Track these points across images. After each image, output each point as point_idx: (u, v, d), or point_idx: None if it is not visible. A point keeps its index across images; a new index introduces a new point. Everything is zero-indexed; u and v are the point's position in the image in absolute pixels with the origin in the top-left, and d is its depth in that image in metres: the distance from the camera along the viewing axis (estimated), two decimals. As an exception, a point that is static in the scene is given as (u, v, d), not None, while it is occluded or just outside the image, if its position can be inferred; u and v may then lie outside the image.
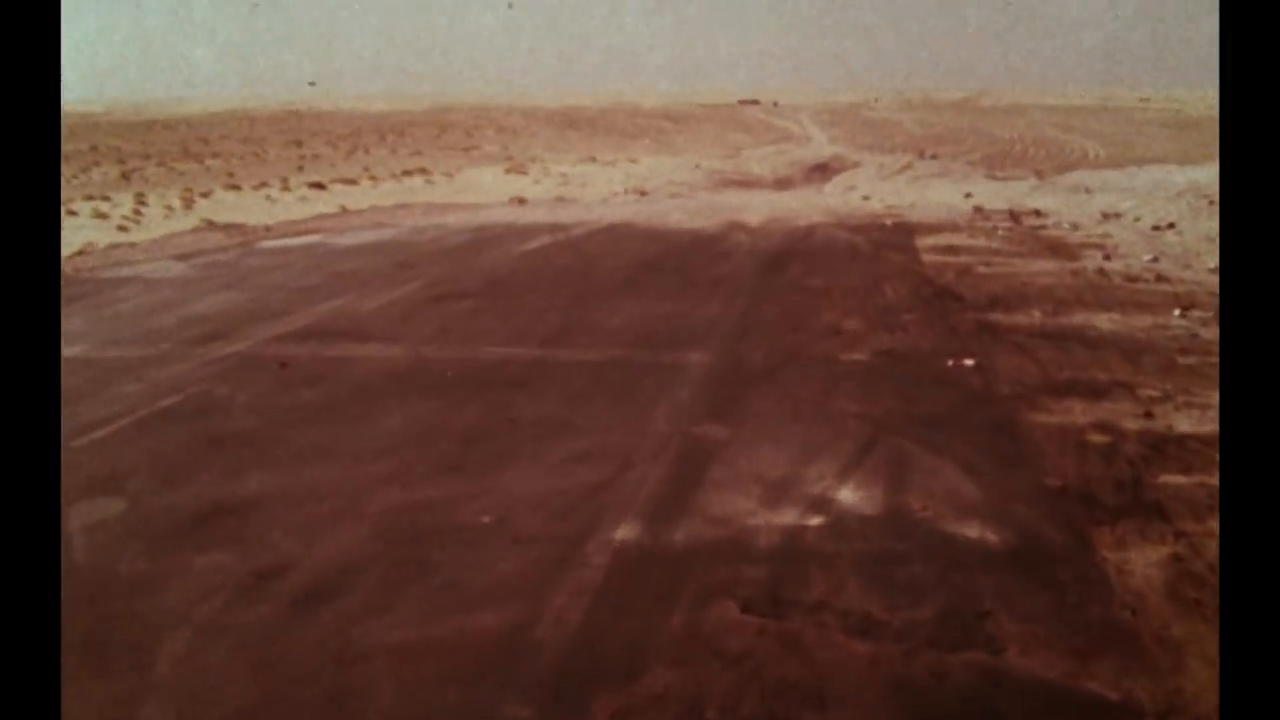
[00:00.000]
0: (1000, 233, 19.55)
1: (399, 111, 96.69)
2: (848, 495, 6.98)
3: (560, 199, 32.96)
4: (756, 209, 26.92)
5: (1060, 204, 25.21)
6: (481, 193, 35.44)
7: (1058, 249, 17.54)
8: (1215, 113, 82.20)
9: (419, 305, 13.54)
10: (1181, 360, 10.32)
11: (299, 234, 22.38)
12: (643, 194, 34.98)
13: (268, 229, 23.27)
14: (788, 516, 6.64)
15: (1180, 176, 34.09)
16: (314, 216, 26.10)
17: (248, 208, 29.69)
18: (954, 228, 20.45)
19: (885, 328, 11.85)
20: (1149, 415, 8.58)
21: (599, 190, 36.59)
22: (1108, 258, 16.51)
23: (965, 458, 7.66)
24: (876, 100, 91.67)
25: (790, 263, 16.58)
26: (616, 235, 20.41)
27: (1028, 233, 19.62)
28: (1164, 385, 9.44)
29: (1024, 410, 8.82)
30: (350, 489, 7.27)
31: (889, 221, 21.66)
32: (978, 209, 25.58)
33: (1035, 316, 12.41)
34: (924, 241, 18.47)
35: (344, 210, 27.64)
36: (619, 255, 17.50)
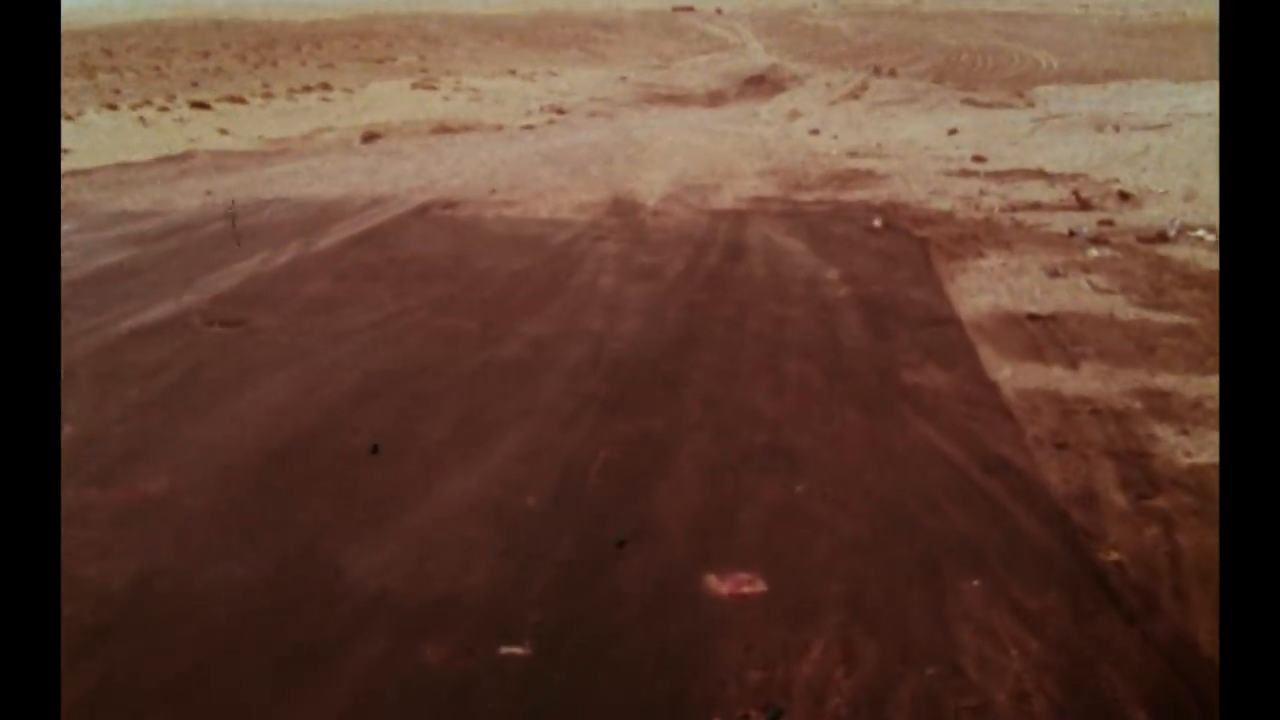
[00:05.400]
0: (1095, 255, 9.21)
1: (326, 21, 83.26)
2: None
3: (441, 128, 22.61)
4: (668, 157, 16.51)
5: (1109, 158, 14.93)
6: (374, 113, 25.31)
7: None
8: (1160, 20, 71.61)
9: None
10: None
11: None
12: (560, 112, 25.68)
13: None
14: None
15: (1200, 101, 23.89)
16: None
17: (111, 133, 20.01)
18: (998, 236, 10.06)
19: None
20: None
21: (509, 109, 26.52)
22: None
23: None
24: (814, 5, 79.74)
25: (675, 422, 6.00)
26: (385, 257, 9.89)
27: (1148, 257, 9.23)
28: None
29: None
30: None
31: (875, 219, 11.26)
32: (980, 161, 15.44)
33: None
34: (969, 294, 8.03)
35: (191, 152, 17.01)
36: (299, 373, 6.92)
